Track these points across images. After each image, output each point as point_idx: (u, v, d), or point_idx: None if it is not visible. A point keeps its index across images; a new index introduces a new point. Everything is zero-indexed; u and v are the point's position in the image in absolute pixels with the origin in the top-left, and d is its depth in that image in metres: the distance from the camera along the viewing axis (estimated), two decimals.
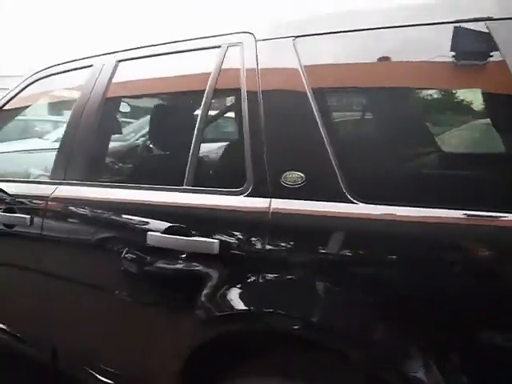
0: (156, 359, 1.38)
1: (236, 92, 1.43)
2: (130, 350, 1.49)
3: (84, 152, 1.66)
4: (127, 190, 1.53)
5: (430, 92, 1.19)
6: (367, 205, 1.01)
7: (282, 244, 1.17)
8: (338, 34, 1.20)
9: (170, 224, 1.33)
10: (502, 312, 0.87)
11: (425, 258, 0.96)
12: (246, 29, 1.49)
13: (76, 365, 1.70)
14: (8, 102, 2.02)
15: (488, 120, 1.13)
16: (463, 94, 1.14)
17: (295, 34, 1.31)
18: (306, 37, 1.32)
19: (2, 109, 2.03)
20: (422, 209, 0.96)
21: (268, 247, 1.17)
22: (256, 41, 1.43)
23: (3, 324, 1.94)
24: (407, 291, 0.97)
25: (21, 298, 1.86)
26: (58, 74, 1.89)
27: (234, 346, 1.22)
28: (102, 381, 1.56)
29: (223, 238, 1.22)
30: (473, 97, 1.12)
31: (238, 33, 1.49)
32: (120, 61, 1.63)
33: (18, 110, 2.33)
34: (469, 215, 0.90)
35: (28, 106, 2.59)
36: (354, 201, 1.03)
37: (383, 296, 0.99)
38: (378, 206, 1.00)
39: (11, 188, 1.85)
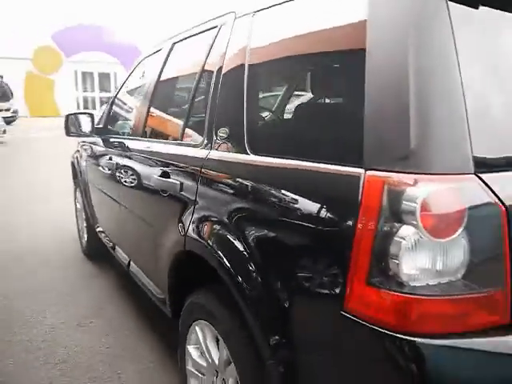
0: (160, 259, 1.92)
1: (215, 67, 1.61)
2: (147, 249, 2.20)
3: None
4: None
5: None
6: (255, 156, 1.37)
7: (209, 185, 1.59)
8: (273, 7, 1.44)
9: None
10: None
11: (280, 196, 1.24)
12: (233, 8, 1.61)
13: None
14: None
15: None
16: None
17: (256, 9, 1.47)
18: (262, 11, 1.46)
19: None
20: (285, 160, 1.26)
21: (201, 188, 1.60)
22: (235, 19, 1.58)
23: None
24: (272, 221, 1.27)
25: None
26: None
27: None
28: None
29: (182, 180, 1.73)
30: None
31: (229, 13, 1.65)
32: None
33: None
34: (306, 165, 1.17)
35: None
36: (250, 153, 1.39)
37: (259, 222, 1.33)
38: (260, 157, 1.36)
39: None
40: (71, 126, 3.06)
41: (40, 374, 2.19)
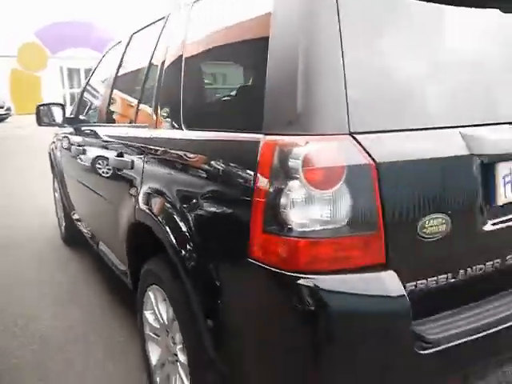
0: (119, 233, 2.08)
1: (161, 55, 1.78)
2: (110, 226, 2.31)
3: None
4: None
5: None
6: (188, 131, 1.57)
7: (152, 160, 1.79)
8: None
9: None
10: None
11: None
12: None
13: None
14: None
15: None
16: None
17: (193, 0, 1.64)
18: (198, 2, 1.63)
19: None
20: (209, 132, 1.46)
21: (146, 163, 1.81)
22: (179, 9, 1.73)
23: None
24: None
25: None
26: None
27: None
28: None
29: (133, 158, 1.93)
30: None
31: (175, 4, 1.82)
32: None
33: None
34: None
35: None
36: (184, 129, 1.58)
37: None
38: (192, 131, 1.56)
39: None
40: (43, 116, 3.20)
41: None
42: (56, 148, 3.82)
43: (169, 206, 1.52)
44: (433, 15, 1.26)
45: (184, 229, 1.42)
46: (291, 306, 1.09)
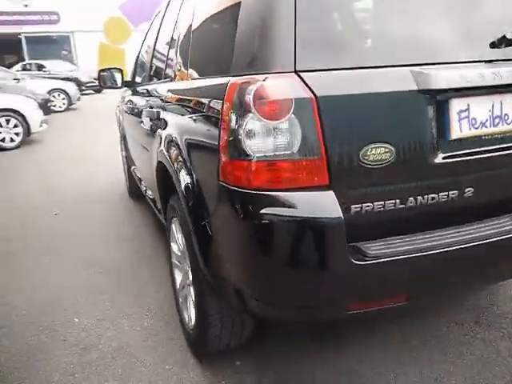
0: (152, 172, 2.37)
1: (184, 19, 2.11)
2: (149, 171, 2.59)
3: None
4: None
5: None
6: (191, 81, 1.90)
7: (168, 108, 2.08)
8: None
9: None
10: None
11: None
12: None
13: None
14: None
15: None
16: None
17: None
18: None
19: None
20: (203, 78, 1.73)
21: (164, 111, 2.14)
22: None
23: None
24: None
25: None
26: None
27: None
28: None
29: (158, 109, 2.30)
30: None
31: None
32: None
33: None
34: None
35: None
36: (189, 79, 1.93)
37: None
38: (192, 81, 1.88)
39: None
40: (106, 80, 3.60)
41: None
42: (119, 110, 4.29)
43: (173, 144, 1.80)
44: None
45: (181, 161, 1.70)
46: (251, 216, 1.30)
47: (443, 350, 2.02)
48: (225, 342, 1.85)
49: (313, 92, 1.21)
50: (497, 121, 1.40)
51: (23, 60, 20.30)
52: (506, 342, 2.08)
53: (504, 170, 1.45)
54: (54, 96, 12.75)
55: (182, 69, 1.99)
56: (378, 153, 1.26)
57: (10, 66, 15.47)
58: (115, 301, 2.55)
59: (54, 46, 22.67)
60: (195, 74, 1.86)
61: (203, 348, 1.93)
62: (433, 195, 1.35)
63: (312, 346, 2.08)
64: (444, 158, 1.34)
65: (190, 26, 1.95)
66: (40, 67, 16.70)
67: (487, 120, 1.38)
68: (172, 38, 2.30)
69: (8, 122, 7.55)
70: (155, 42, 2.78)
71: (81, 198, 4.55)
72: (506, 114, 1.41)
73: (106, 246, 3.34)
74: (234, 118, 1.28)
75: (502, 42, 1.41)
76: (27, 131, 7.79)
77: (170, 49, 2.31)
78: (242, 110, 1.26)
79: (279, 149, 1.25)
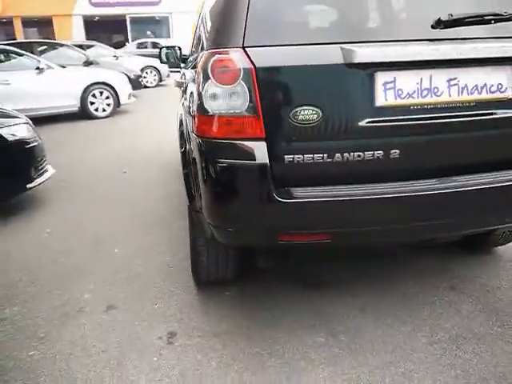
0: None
1: None
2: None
3: None
4: None
5: None
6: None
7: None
8: None
9: None
10: None
11: None
12: None
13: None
14: None
15: None
16: None
17: None
18: None
19: None
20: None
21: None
22: None
23: None
24: None
25: None
26: None
27: None
28: None
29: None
30: None
31: None
32: None
33: None
34: None
35: None
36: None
37: None
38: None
39: None
40: (164, 56, 4.12)
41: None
42: (176, 83, 4.83)
43: (183, 102, 2.23)
44: None
45: (184, 118, 2.13)
46: (210, 157, 1.69)
47: (407, 307, 2.26)
48: (212, 273, 2.27)
49: (253, 63, 1.55)
50: (425, 93, 1.61)
51: (128, 40, 22.22)
52: (470, 305, 2.24)
53: (433, 137, 1.66)
54: (146, 72, 13.95)
55: (199, 43, 2.37)
56: (305, 113, 1.56)
57: (116, 45, 17.05)
58: (149, 241, 3.11)
59: (154, 27, 24.34)
60: (198, 49, 2.25)
61: (196, 277, 2.38)
62: (358, 153, 1.61)
63: (296, 285, 2.44)
64: (368, 122, 1.60)
65: (203, 8, 2.33)
66: (155, 45, 18.08)
67: (415, 92, 1.60)
68: (202, 15, 2.70)
69: (101, 93, 8.58)
70: (199, 18, 3.19)
71: (147, 161, 5.23)
72: (435, 87, 1.61)
73: (154, 202, 3.93)
74: (200, 83, 1.66)
75: (439, 23, 1.60)
76: (117, 102, 8.79)
77: (200, 24, 2.71)
78: (205, 77, 1.63)
79: (231, 107, 1.60)
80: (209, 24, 1.95)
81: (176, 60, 4.10)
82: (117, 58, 12.66)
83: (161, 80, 14.45)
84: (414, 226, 1.72)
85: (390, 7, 1.73)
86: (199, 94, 1.67)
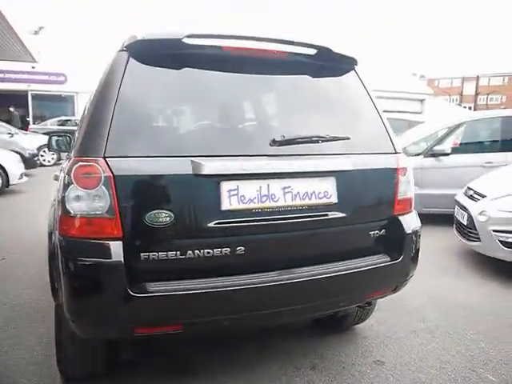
0: None
1: None
2: None
3: None
4: None
5: None
6: None
7: None
8: None
9: None
10: None
11: None
12: None
13: None
14: None
15: None
16: None
17: None
18: None
19: None
20: None
21: None
22: None
23: None
24: None
25: None
26: None
27: None
28: None
29: None
30: None
31: None
32: None
33: None
34: None
35: None
36: None
37: None
38: None
39: None
40: (54, 143, 4.18)
41: None
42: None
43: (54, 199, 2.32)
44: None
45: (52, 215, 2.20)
46: (69, 255, 1.79)
47: None
48: (80, 367, 2.23)
49: (112, 172, 1.74)
50: (264, 198, 1.92)
51: (28, 114, 21.67)
52: (326, 383, 2.46)
53: (273, 236, 1.95)
54: (44, 151, 13.53)
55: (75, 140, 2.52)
56: (159, 216, 1.77)
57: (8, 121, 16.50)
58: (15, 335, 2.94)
59: (60, 104, 24.01)
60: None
61: (63, 373, 2.32)
62: (208, 250, 1.84)
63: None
64: (216, 224, 1.84)
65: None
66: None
67: (255, 197, 1.90)
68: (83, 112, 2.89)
69: None
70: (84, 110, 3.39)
71: (30, 245, 5.00)
72: (272, 194, 1.93)
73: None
74: (65, 186, 1.80)
75: (274, 142, 1.97)
76: (6, 182, 8.39)
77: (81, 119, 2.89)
78: (69, 181, 1.78)
79: (92, 209, 1.76)
80: (82, 128, 2.12)
81: (67, 147, 4.18)
82: (12, 136, 12.21)
83: (59, 159, 14.09)
84: (259, 314, 1.94)
85: (236, 128, 2.09)
86: (63, 197, 1.80)
